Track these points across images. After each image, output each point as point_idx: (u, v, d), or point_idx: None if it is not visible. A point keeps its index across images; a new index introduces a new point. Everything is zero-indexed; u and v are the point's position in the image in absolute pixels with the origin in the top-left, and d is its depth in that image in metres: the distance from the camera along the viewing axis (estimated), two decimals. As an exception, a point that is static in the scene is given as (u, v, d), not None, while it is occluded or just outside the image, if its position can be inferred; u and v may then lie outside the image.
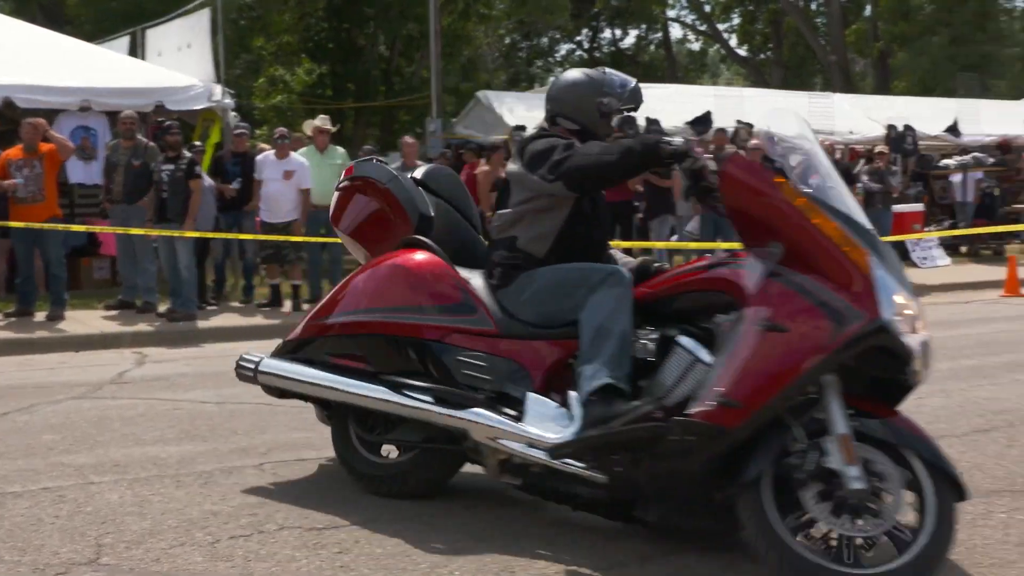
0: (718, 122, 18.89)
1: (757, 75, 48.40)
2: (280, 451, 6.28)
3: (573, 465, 4.53)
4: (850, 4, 45.43)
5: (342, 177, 5.75)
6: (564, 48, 50.20)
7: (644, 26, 49.83)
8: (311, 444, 6.41)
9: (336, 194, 5.77)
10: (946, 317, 12.40)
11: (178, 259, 11.64)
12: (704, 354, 4.37)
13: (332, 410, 5.49)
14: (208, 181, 12.48)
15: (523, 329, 4.86)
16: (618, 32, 50.11)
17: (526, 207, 4.94)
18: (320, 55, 30.31)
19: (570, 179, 4.74)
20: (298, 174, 12.53)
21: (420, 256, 5.13)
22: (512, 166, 5.03)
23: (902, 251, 17.57)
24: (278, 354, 5.49)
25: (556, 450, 4.53)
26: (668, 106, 20.38)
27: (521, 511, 5.12)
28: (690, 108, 20.19)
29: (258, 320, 12.08)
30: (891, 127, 21.43)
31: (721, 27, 50.31)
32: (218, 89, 15.33)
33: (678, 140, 4.66)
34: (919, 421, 7.03)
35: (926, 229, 18.82)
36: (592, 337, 4.55)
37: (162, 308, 11.88)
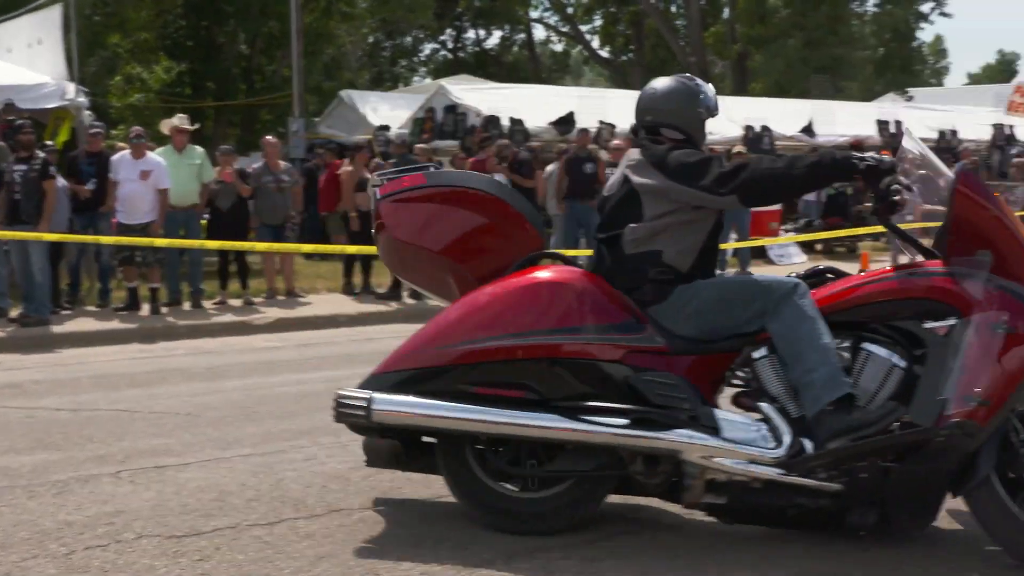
0: (581, 122, 19.09)
1: (619, 76, 49.02)
2: (138, 458, 6.13)
3: (803, 478, 4.48)
4: (708, 7, 46.35)
5: (405, 185, 4.96)
6: (428, 48, 50.25)
7: (508, 27, 50.11)
8: (170, 451, 6.29)
9: (398, 204, 4.97)
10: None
11: (31, 262, 11.27)
12: (897, 359, 4.49)
13: (442, 447, 4.85)
14: (61, 181, 12.12)
15: (687, 345, 4.70)
16: (482, 32, 50.31)
17: (667, 220, 4.78)
18: (178, 53, 29.71)
19: (748, 193, 4.66)
20: (155, 174, 12.24)
21: (576, 272, 4.80)
22: (643, 179, 4.81)
23: (760, 248, 17.96)
24: (384, 388, 4.71)
25: (800, 464, 4.44)
26: (532, 106, 20.55)
27: (384, 514, 5.09)
28: (554, 109, 20.35)
29: (115, 324, 11.77)
30: (749, 128, 21.92)
31: (583, 28, 50.86)
32: (71, 87, 14.91)
33: (881, 157, 4.67)
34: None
35: (782, 227, 19.28)
36: (805, 348, 4.48)
37: (14, 313, 11.48)
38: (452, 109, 20.59)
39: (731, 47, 43.94)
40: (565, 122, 19.72)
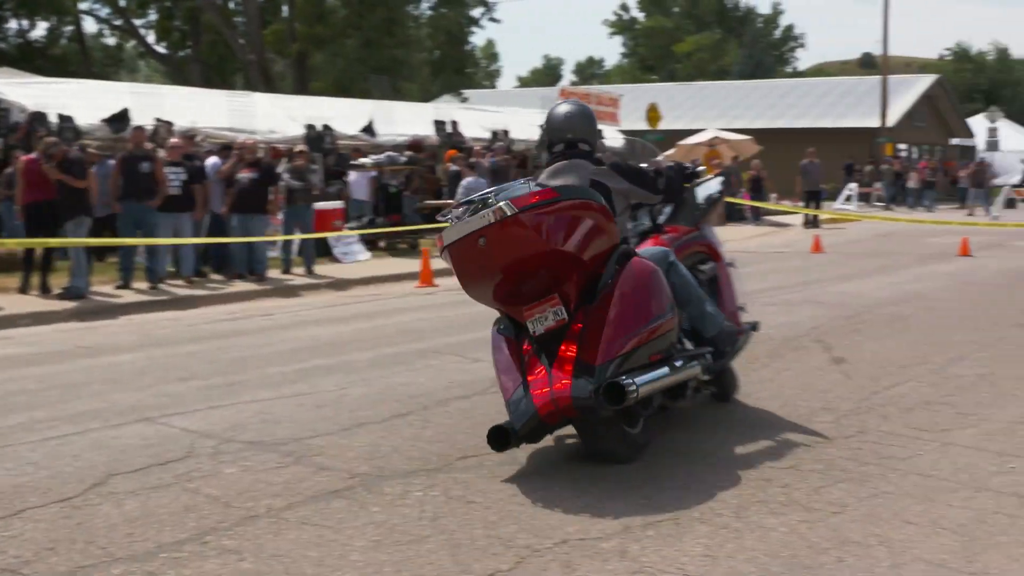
0: (137, 119, 18.37)
1: (176, 72, 47.81)
2: None
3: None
4: (267, 4, 46.13)
5: (535, 200, 5.52)
6: (-36, 37, 46.71)
7: (55, 17, 47.52)
8: None
9: (544, 215, 5.54)
10: (367, 309, 12.92)
11: None
12: None
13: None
14: None
15: None
16: (26, 23, 47.36)
17: (625, 215, 6.45)
18: None
19: (668, 192, 6.63)
20: None
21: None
22: (616, 184, 6.27)
23: (324, 247, 18.06)
24: (612, 375, 5.54)
25: (721, 365, 6.67)
26: (83, 102, 19.54)
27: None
28: (106, 104, 19.46)
29: None
30: (311, 127, 21.98)
31: (138, 22, 49.18)
32: None
33: (688, 164, 7.34)
34: (342, 409, 7.32)
35: (346, 225, 19.48)
36: (698, 290, 6.50)
37: None
38: (-7, 104, 19.22)
39: (291, 45, 43.96)
40: (119, 119, 18.90)
